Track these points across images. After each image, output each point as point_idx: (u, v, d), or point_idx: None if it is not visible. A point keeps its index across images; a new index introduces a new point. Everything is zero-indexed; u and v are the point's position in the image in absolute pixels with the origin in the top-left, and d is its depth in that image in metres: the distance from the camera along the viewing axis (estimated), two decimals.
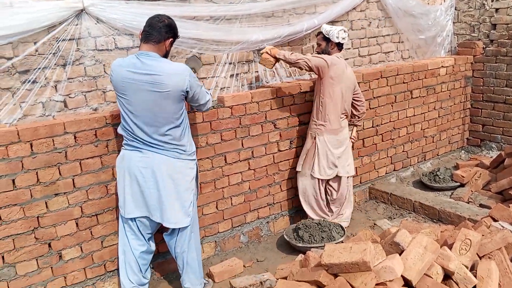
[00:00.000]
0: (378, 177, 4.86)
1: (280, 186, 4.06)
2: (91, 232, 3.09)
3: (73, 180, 2.96)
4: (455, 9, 5.69)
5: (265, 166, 3.90)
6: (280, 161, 4.00)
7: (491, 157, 5.12)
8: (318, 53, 3.81)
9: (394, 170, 5.03)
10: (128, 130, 2.81)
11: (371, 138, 4.67)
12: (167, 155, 2.83)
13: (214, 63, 3.70)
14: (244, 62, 3.90)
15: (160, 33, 2.73)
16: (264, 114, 3.79)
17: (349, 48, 4.66)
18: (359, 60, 4.81)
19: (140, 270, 3.01)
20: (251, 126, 3.73)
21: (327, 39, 3.76)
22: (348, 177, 3.95)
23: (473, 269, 2.62)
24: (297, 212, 4.16)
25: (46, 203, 2.88)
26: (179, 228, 2.97)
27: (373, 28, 4.84)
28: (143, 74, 2.68)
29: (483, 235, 2.79)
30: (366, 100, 4.27)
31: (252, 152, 3.79)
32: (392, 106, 4.79)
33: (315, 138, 3.81)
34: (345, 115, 3.87)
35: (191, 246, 3.03)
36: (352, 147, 4.17)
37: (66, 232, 2.98)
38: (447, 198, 4.41)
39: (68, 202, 2.96)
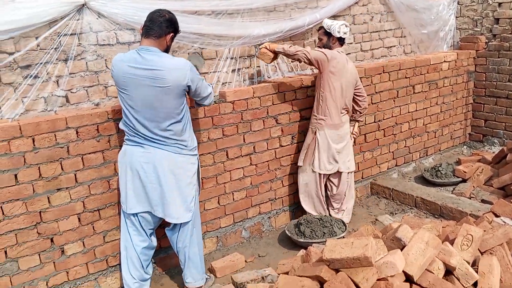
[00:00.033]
0: (380, 172, 4.86)
1: (282, 181, 4.06)
2: (93, 227, 3.10)
3: (75, 175, 2.96)
4: (458, 4, 5.66)
5: (267, 161, 3.90)
6: (282, 156, 4.00)
7: (493, 152, 5.11)
8: (320, 47, 3.79)
9: (396, 165, 5.02)
10: (129, 126, 2.81)
11: (373, 133, 4.66)
12: (169, 150, 2.83)
13: (216, 58, 3.69)
14: (246, 57, 3.89)
15: (161, 27, 2.72)
16: (266, 109, 3.78)
17: (351, 43, 4.64)
18: (361, 55, 4.80)
19: (142, 265, 3.02)
20: (253, 121, 3.73)
21: (328, 34, 3.74)
22: (348, 173, 3.95)
23: (474, 264, 2.62)
24: (298, 207, 4.16)
25: (48, 198, 2.88)
26: (181, 223, 2.97)
27: (375, 22, 4.82)
28: (144, 69, 2.67)
29: (484, 231, 2.78)
30: (368, 95, 4.26)
31: (254, 147, 3.78)
32: (394, 101, 4.78)
33: (315, 132, 3.81)
34: (346, 110, 3.86)
35: (193, 241, 3.04)
36: (354, 142, 4.17)
37: (68, 227, 2.99)
38: (449, 193, 4.41)
39: (70, 197, 2.97)
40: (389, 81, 4.67)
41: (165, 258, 3.48)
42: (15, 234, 2.80)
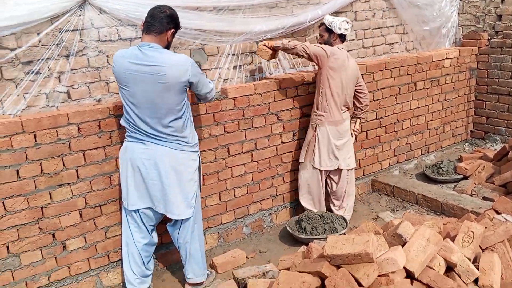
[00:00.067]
0: (381, 169, 4.86)
1: (283, 178, 4.06)
2: (94, 222, 3.11)
3: (76, 171, 2.97)
4: (460, 0, 5.64)
5: (268, 158, 3.90)
6: (283, 153, 4.00)
7: (495, 149, 5.11)
8: (321, 44, 3.78)
9: (398, 162, 5.02)
10: (130, 122, 2.81)
11: (374, 130, 4.66)
12: (170, 146, 2.83)
13: (217, 54, 3.69)
14: (248, 53, 3.88)
15: (162, 23, 2.72)
16: (267, 106, 3.78)
17: (353, 39, 4.63)
18: (363, 51, 4.79)
19: (143, 262, 3.03)
20: (254, 117, 3.72)
21: (329, 30, 3.73)
22: (348, 170, 3.94)
23: (475, 261, 2.62)
24: (299, 204, 4.16)
25: (50, 193, 2.89)
26: (182, 219, 2.98)
27: (377, 19, 4.81)
28: (145, 65, 2.67)
29: (486, 228, 2.78)
30: (369, 92, 4.26)
31: (255, 144, 3.78)
32: (396, 98, 4.77)
33: (315, 129, 3.80)
34: (347, 107, 3.85)
35: (194, 237, 3.05)
36: (356, 139, 4.16)
37: (70, 222, 3.00)
38: (450, 190, 4.41)
39: (72, 193, 2.97)
40: (391, 78, 4.66)
41: (166, 253, 3.49)
42: (17, 230, 2.81)
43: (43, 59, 2.92)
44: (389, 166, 4.93)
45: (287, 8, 4.00)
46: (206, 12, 3.53)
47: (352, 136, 4.02)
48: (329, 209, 4.04)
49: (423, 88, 5.02)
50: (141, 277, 3.04)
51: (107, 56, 3.17)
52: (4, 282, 2.82)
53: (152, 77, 2.67)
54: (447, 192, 4.32)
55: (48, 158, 2.84)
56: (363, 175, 4.69)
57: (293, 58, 4.13)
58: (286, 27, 3.91)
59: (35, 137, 2.78)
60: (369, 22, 4.74)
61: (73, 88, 3.09)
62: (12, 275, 2.84)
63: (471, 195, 4.25)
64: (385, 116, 4.72)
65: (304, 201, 3.99)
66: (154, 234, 3.09)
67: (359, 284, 2.26)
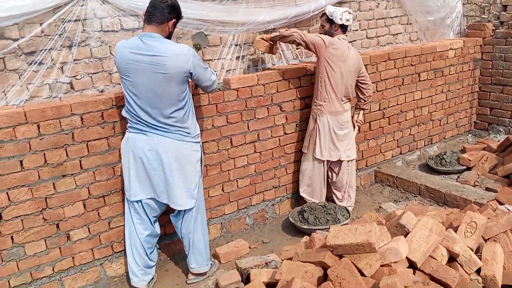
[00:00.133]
0: (384, 160, 4.85)
1: (286, 169, 4.06)
2: (98, 213, 3.13)
3: (80, 161, 2.98)
4: None
5: (271, 149, 3.90)
6: (286, 144, 4.00)
7: (499, 140, 5.09)
8: (322, 34, 3.76)
9: (401, 153, 5.01)
10: (132, 113, 2.81)
11: (377, 121, 4.64)
12: (172, 137, 2.83)
13: (220, 44, 3.68)
14: (251, 44, 3.87)
15: (163, 13, 2.70)
16: (270, 97, 3.77)
17: (356, 30, 4.60)
18: (367, 42, 4.76)
19: (146, 253, 3.04)
20: (257, 108, 3.72)
21: (330, 21, 3.70)
22: (349, 161, 3.93)
23: (478, 251, 2.63)
24: None
25: (53, 184, 2.90)
26: (185, 210, 2.99)
27: (381, 9, 4.77)
28: (146, 56, 2.66)
29: (488, 218, 2.79)
30: (373, 82, 4.24)
31: (258, 135, 3.78)
32: (399, 89, 4.75)
33: (316, 119, 3.80)
34: (348, 99, 3.83)
35: (197, 227, 3.06)
36: (359, 130, 4.15)
37: (73, 213, 3.01)
38: (453, 181, 4.40)
39: (76, 184, 2.98)
40: (395, 68, 4.64)
41: (169, 244, 3.51)
42: (21, 220, 2.83)
43: (45, 50, 2.92)
44: (392, 157, 4.92)
45: None
46: (208, 1, 3.51)
47: (355, 127, 4.01)
48: (331, 201, 4.04)
49: (427, 79, 5.00)
50: (144, 268, 3.06)
51: (109, 46, 3.16)
52: (9, 272, 2.84)
53: (153, 67, 2.66)
54: (450, 183, 4.32)
55: (51, 149, 2.85)
56: (366, 166, 4.69)
57: (296, 48, 4.11)
58: (289, 17, 3.89)
59: (38, 128, 2.78)
60: (373, 12, 4.71)
61: (76, 78, 3.09)
62: (17, 265, 2.87)
63: (474, 186, 4.24)
64: (389, 107, 4.71)
65: (304, 192, 4.00)
66: (157, 225, 3.11)
67: (362, 274, 2.27)
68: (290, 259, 2.68)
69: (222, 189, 3.70)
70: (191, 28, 3.43)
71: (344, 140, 3.84)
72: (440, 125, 5.37)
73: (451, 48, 5.15)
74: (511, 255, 2.62)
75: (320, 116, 3.77)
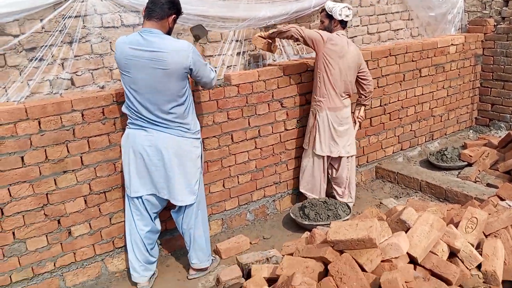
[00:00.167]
0: (385, 156, 4.85)
1: (287, 165, 4.06)
2: (99, 209, 3.13)
3: (81, 157, 2.98)
4: None
5: (272, 145, 3.90)
6: (287, 140, 4.00)
7: (500, 136, 5.08)
8: (322, 30, 3.75)
9: (401, 149, 5.01)
10: (132, 109, 2.81)
11: (378, 117, 4.64)
12: (172, 133, 2.83)
13: (221, 40, 3.67)
14: (251, 40, 3.86)
15: (163, 9, 2.70)
16: (271, 93, 3.77)
17: (357, 25, 4.59)
18: (368, 37, 4.75)
19: (147, 249, 3.04)
20: (258, 104, 3.71)
21: (330, 17, 3.68)
22: (348, 157, 3.93)
23: (478, 247, 2.63)
24: None
25: (54, 180, 2.91)
26: (186, 206, 2.99)
27: (382, 5, 4.76)
28: (146, 51, 2.66)
29: (489, 214, 2.78)
30: (374, 78, 4.23)
31: (258, 131, 3.78)
32: (400, 84, 4.74)
33: (315, 115, 3.79)
34: (348, 94, 3.82)
35: (197, 223, 3.06)
36: (359, 126, 4.15)
37: (74, 209, 3.02)
38: (454, 177, 4.40)
39: (77, 179, 2.99)
40: (396, 64, 4.63)
41: (170, 239, 3.52)
42: (23, 216, 2.84)
43: (46, 46, 2.92)
44: (393, 153, 4.92)
45: None
46: None
47: (356, 123, 4.01)
48: (332, 197, 4.04)
49: (428, 74, 4.99)
50: (145, 264, 3.06)
51: (110, 42, 3.16)
52: (11, 267, 2.85)
53: (153, 63, 2.66)
54: (451, 179, 4.32)
55: (52, 145, 2.85)
56: (367, 162, 4.68)
57: (297, 44, 4.10)
58: (290, 12, 3.88)
59: (39, 124, 2.78)
60: (374, 8, 4.69)
61: (76, 74, 3.09)
62: (19, 261, 2.88)
63: (475, 182, 4.24)
64: (390, 103, 4.70)
65: (304, 188, 4.00)
66: (157, 222, 3.11)
67: (362, 269, 2.27)
68: (291, 254, 2.68)
69: (223, 185, 3.70)
70: (191, 24, 3.42)
71: (344, 136, 3.83)
72: (441, 121, 5.36)
73: (452, 44, 5.14)
74: None
75: (319, 112, 3.76)
